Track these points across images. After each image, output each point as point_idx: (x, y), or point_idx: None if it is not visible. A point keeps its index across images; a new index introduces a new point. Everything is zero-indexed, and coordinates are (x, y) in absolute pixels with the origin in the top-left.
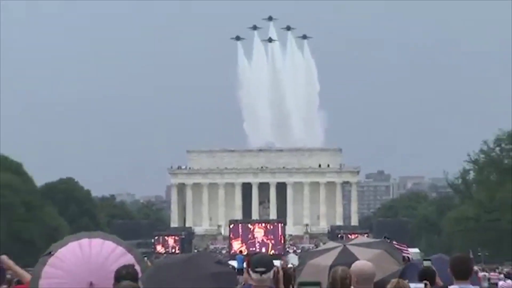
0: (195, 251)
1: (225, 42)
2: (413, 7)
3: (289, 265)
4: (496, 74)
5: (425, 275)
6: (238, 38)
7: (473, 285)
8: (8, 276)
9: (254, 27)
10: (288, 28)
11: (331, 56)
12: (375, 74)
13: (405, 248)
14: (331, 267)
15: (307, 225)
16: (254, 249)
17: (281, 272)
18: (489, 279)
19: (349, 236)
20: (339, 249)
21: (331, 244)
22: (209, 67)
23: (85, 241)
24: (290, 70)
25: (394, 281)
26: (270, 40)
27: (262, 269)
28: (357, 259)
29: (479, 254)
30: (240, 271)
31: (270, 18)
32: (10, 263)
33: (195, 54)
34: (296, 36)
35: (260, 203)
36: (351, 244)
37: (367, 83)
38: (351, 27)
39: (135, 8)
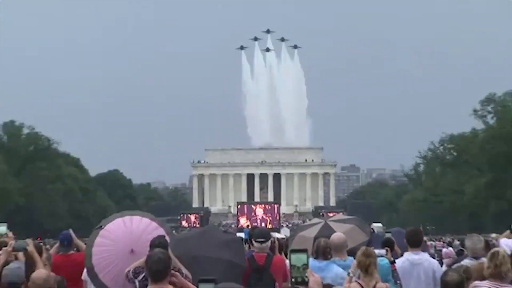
0: (216, 226)
1: (231, 54)
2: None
3: (282, 236)
4: (444, 83)
5: (386, 243)
6: (242, 47)
7: (423, 251)
8: None
9: (255, 38)
10: (282, 39)
11: (317, 67)
12: (353, 86)
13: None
14: (315, 238)
15: (296, 205)
16: (256, 224)
17: (276, 242)
18: (435, 247)
19: (329, 214)
20: (321, 224)
21: (315, 220)
22: (219, 80)
23: (127, 218)
24: (283, 77)
25: (363, 248)
26: (267, 49)
27: (262, 239)
28: (334, 232)
29: (427, 228)
30: (246, 241)
31: (268, 31)
32: (73, 235)
33: (209, 66)
34: (289, 45)
35: (261, 189)
36: (330, 220)
37: (347, 94)
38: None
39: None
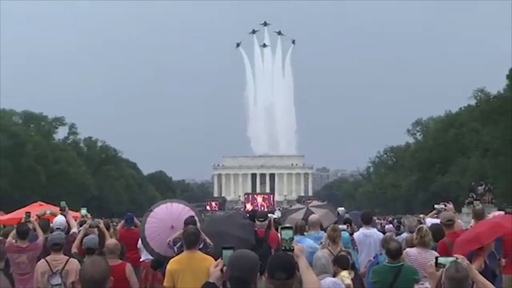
0: (227, 210)
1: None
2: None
3: (276, 217)
4: (387, 104)
5: (347, 221)
6: (238, 44)
7: (372, 227)
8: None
9: (253, 31)
10: (279, 33)
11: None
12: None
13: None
14: (302, 219)
15: (285, 195)
16: (257, 208)
17: (272, 221)
18: (380, 224)
19: (307, 201)
20: (304, 209)
21: (298, 205)
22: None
23: (169, 203)
24: (277, 97)
25: (331, 225)
26: (264, 45)
27: (262, 219)
28: (313, 213)
29: (375, 210)
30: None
31: (265, 23)
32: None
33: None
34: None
35: (261, 184)
36: (310, 206)
37: (323, 111)
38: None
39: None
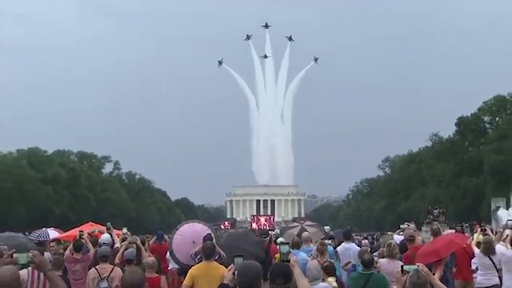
0: (239, 229)
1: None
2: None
3: (274, 233)
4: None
5: (331, 238)
6: (248, 37)
7: (352, 242)
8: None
9: (247, 37)
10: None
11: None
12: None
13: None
14: (296, 235)
15: (283, 217)
16: (261, 227)
17: (272, 238)
18: (358, 240)
19: (302, 221)
20: (299, 227)
21: (295, 224)
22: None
23: (191, 223)
24: (278, 137)
25: (320, 240)
26: (265, 56)
27: (265, 236)
28: (306, 230)
29: (354, 229)
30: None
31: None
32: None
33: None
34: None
35: (263, 207)
36: (304, 225)
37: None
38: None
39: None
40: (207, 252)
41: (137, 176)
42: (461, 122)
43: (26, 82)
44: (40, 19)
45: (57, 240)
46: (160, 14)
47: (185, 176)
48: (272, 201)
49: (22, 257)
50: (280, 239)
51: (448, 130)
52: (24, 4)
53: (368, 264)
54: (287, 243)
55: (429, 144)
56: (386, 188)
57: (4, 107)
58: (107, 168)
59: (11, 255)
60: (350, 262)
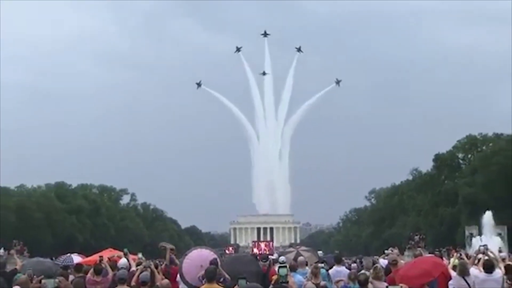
0: (240, 253)
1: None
2: None
3: (274, 258)
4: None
5: (323, 261)
6: (238, 49)
7: (342, 265)
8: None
9: (237, 49)
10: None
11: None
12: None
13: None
14: (293, 259)
15: (281, 242)
16: (261, 252)
17: (271, 261)
18: (347, 263)
19: (297, 246)
20: (295, 252)
21: (291, 249)
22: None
23: (199, 249)
24: (279, 171)
25: (314, 264)
26: (264, 73)
27: (265, 260)
28: (303, 256)
29: (344, 253)
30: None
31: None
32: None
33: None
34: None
35: (263, 234)
36: (300, 250)
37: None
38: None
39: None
40: (209, 275)
41: (151, 207)
42: (438, 158)
43: (51, 123)
44: (62, 68)
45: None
46: (172, 62)
47: (194, 206)
48: (271, 229)
49: (50, 283)
50: (281, 258)
51: (426, 165)
52: (50, 56)
53: (364, 283)
54: (285, 266)
55: (410, 177)
56: (372, 217)
57: (33, 146)
58: (125, 200)
59: (40, 281)
60: (342, 280)
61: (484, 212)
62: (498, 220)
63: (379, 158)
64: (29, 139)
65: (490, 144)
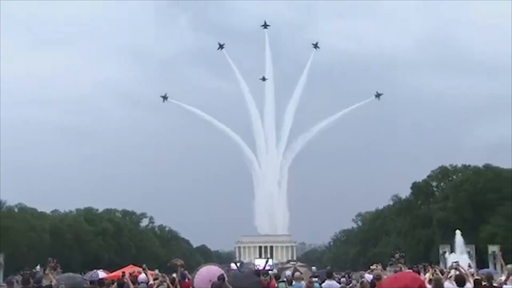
0: (244, 269)
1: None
2: None
3: (274, 273)
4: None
5: (316, 276)
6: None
7: (332, 280)
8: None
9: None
10: None
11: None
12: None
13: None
14: (291, 274)
15: (279, 259)
16: (262, 268)
17: (272, 276)
18: (337, 278)
19: (293, 263)
20: (292, 268)
21: (289, 265)
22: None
23: (208, 266)
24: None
25: (309, 279)
26: (263, 78)
27: (265, 275)
28: (300, 271)
29: (334, 269)
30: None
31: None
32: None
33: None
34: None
35: (264, 252)
36: (296, 266)
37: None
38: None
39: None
40: None
41: (167, 228)
42: (415, 186)
43: (80, 156)
44: (89, 108)
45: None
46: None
47: (204, 227)
48: (271, 247)
49: None
50: (287, 273)
51: (405, 192)
52: (79, 99)
53: None
54: (284, 281)
55: (391, 203)
56: (359, 237)
57: (65, 176)
58: (144, 222)
59: None
60: None
61: (455, 233)
62: (467, 240)
63: (365, 186)
64: (62, 170)
65: (460, 174)
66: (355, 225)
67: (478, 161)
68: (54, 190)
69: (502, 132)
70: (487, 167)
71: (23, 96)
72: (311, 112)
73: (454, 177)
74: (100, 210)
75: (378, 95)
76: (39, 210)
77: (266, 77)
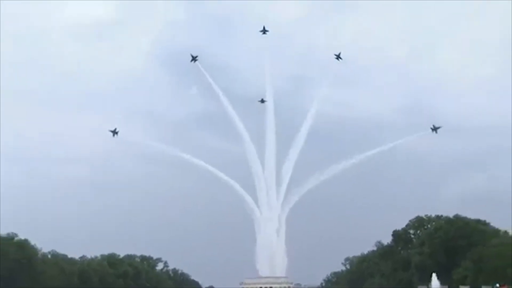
0: None
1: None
2: None
3: None
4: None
5: None
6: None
7: None
8: None
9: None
10: None
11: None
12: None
13: None
14: None
15: None
16: None
17: None
18: None
19: None
20: None
21: None
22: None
23: None
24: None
25: None
26: (262, 100)
27: None
28: None
29: None
30: None
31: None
32: None
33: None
34: None
35: None
36: None
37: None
38: None
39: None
40: None
41: (179, 271)
42: (395, 234)
43: (103, 206)
44: (108, 165)
45: None
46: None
47: (212, 268)
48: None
49: None
50: None
51: (387, 239)
52: (100, 156)
53: None
54: None
55: (375, 248)
56: (347, 278)
57: (91, 224)
58: (159, 266)
59: None
60: None
61: (431, 275)
62: (442, 281)
63: (352, 233)
64: (89, 220)
65: (434, 223)
66: (344, 268)
67: (449, 212)
68: (82, 236)
69: (471, 186)
70: (457, 217)
71: (55, 155)
72: (307, 168)
73: (429, 225)
74: (121, 255)
75: (435, 129)
76: (69, 256)
77: (267, 137)
